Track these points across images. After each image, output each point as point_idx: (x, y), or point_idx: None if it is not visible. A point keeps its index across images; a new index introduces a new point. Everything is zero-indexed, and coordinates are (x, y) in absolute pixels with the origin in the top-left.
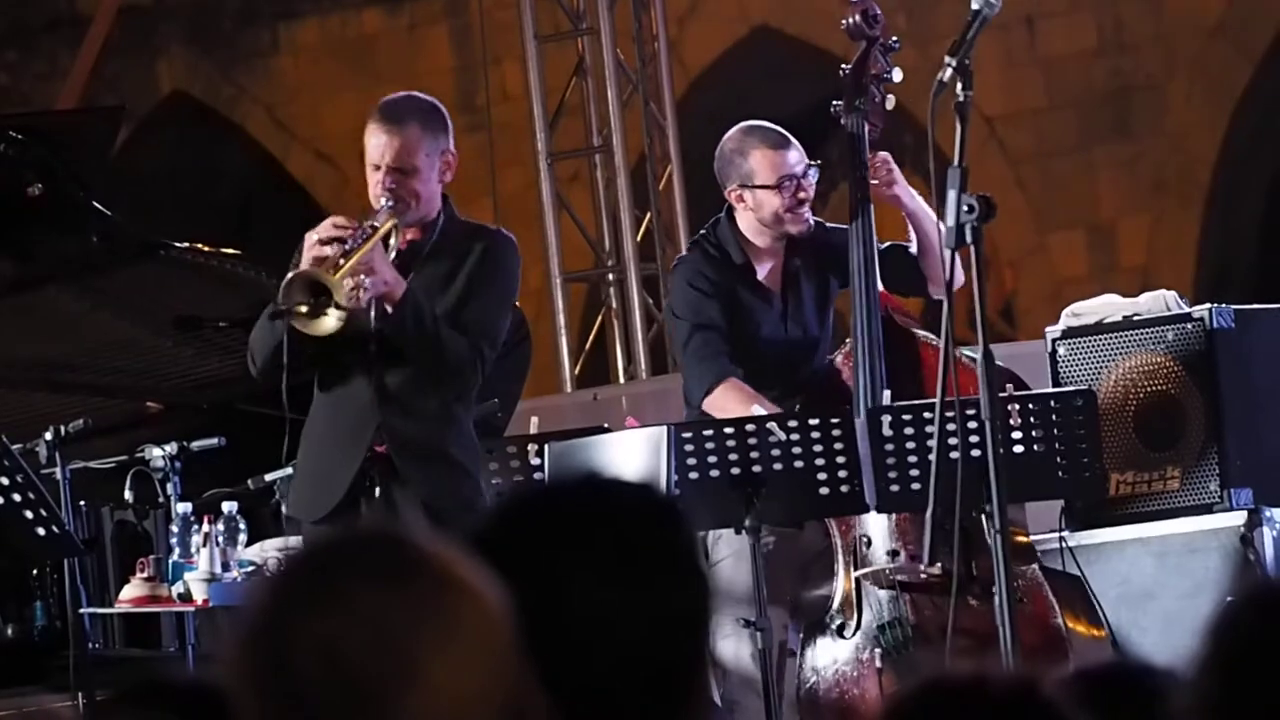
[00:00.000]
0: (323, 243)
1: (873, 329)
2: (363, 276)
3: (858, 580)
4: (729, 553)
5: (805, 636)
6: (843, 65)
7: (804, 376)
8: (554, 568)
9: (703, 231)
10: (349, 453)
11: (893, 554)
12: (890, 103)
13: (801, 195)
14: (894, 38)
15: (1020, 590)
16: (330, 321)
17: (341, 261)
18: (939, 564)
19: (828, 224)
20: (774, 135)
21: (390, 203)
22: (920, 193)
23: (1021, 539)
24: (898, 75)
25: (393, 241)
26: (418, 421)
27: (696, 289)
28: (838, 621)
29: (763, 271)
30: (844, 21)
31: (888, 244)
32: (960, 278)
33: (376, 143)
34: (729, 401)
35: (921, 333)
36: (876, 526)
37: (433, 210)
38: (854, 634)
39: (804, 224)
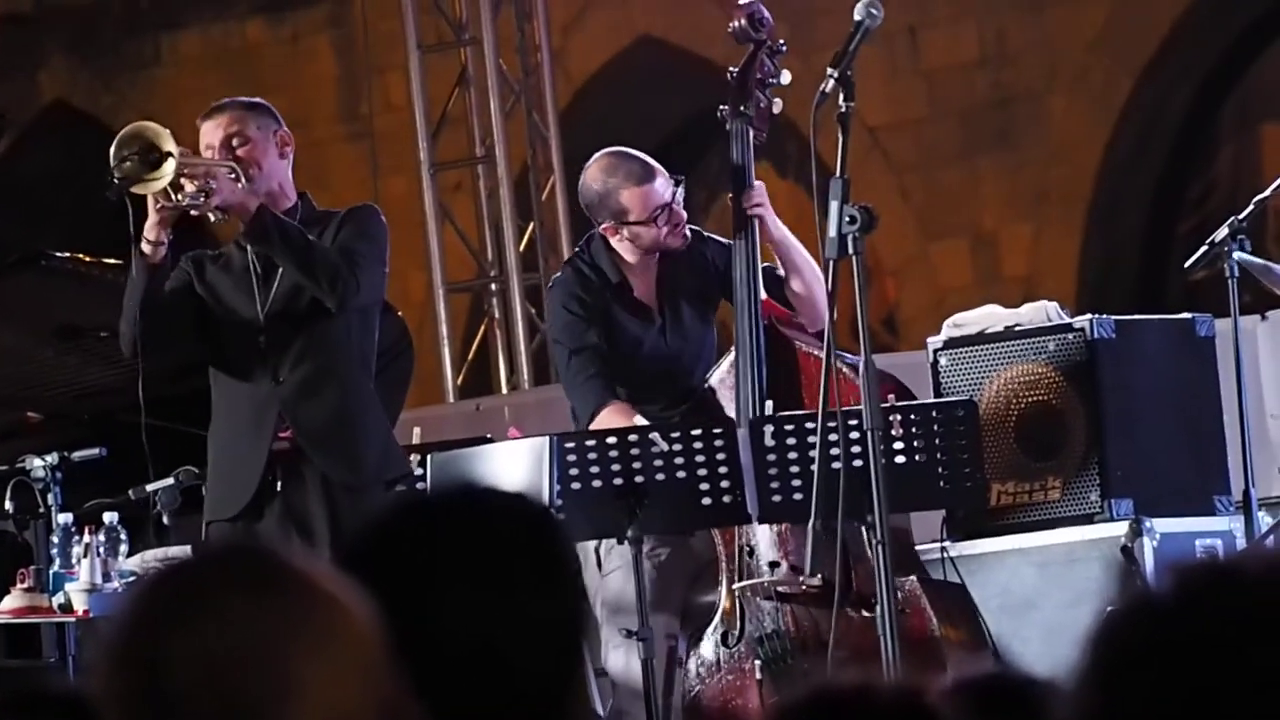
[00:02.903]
0: None
1: (755, 340)
2: (208, 181)
3: (739, 591)
4: (620, 564)
5: (690, 645)
6: (730, 69)
7: (685, 389)
8: (425, 578)
9: (577, 249)
10: (254, 446)
11: (774, 565)
12: (777, 106)
13: (675, 220)
14: (781, 41)
15: (899, 601)
16: (167, 168)
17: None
18: (819, 575)
19: (705, 233)
20: (637, 169)
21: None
22: (802, 205)
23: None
24: (785, 78)
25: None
26: (318, 400)
27: (571, 312)
28: (721, 630)
29: (639, 288)
30: (731, 25)
31: (764, 265)
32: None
33: (205, 132)
34: (614, 425)
35: (802, 343)
36: (760, 537)
37: (286, 197)
38: (736, 644)
39: (683, 238)
